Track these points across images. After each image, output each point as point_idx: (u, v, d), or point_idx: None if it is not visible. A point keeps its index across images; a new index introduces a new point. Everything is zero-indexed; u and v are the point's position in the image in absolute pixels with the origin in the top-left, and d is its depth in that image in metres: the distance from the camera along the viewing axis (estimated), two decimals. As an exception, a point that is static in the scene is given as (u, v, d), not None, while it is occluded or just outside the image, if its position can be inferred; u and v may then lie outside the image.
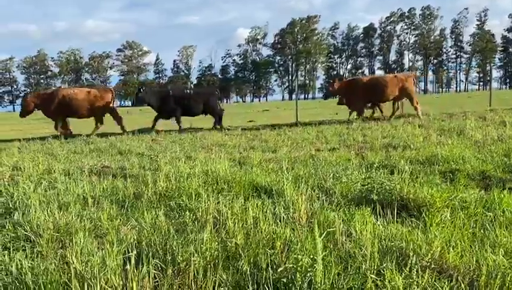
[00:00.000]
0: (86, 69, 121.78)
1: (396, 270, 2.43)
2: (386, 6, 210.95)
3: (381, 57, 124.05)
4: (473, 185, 4.54)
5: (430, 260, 2.58)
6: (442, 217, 3.37)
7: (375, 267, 2.54)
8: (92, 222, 3.70)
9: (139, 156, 8.01)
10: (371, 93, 14.84)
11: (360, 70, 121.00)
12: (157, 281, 2.56)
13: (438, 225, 3.22)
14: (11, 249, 3.16)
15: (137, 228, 3.53)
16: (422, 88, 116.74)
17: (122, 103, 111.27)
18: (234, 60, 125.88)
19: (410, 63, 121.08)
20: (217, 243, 2.97)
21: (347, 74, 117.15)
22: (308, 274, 2.42)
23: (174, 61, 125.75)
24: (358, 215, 3.39)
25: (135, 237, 3.25)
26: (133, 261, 2.49)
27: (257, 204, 3.76)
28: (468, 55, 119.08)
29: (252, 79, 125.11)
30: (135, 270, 2.47)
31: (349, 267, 2.59)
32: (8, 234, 3.54)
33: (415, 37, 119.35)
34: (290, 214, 3.60)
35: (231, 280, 2.56)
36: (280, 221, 3.45)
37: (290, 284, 2.43)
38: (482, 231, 3.11)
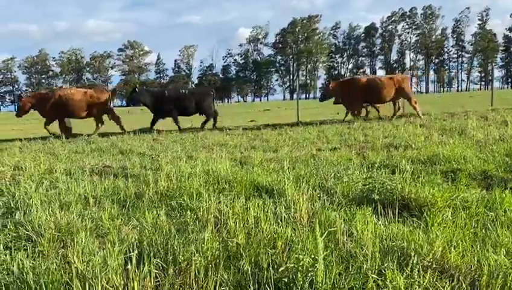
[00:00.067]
0: (87, 69, 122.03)
1: (397, 270, 2.43)
2: (387, 6, 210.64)
3: (382, 57, 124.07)
4: (475, 185, 4.54)
5: (431, 259, 2.58)
6: (444, 217, 3.36)
7: (377, 267, 2.54)
8: (93, 222, 3.70)
9: (141, 156, 8.02)
10: (368, 94, 14.85)
11: (361, 70, 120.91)
12: (159, 281, 2.56)
13: (439, 224, 3.22)
14: (13, 249, 3.17)
15: (138, 228, 3.53)
16: (424, 88, 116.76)
17: (123, 102, 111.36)
18: (235, 59, 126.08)
19: (412, 63, 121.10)
20: (218, 242, 2.97)
21: (348, 74, 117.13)
22: (310, 274, 2.42)
23: (175, 61, 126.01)
24: (359, 215, 3.38)
25: (136, 237, 3.25)
26: (134, 260, 2.50)
27: (258, 204, 3.75)
28: (469, 55, 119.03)
29: (253, 79, 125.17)
30: (136, 270, 2.47)
31: (350, 267, 2.58)
32: (9, 234, 3.54)
33: (417, 36, 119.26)
34: (291, 214, 3.60)
35: (232, 279, 2.56)
36: (281, 221, 3.45)
37: (291, 284, 2.43)
38: (483, 230, 3.10)
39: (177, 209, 4.02)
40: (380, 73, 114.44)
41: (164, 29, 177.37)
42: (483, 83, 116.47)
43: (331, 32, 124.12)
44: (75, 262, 2.64)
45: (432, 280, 2.39)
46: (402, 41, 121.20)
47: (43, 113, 14.55)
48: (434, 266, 2.54)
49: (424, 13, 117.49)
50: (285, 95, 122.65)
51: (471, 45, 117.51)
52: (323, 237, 2.67)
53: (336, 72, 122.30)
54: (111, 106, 15.28)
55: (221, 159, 6.29)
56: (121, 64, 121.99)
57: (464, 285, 2.37)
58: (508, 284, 2.35)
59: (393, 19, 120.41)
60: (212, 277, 2.52)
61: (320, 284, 2.38)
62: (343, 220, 3.34)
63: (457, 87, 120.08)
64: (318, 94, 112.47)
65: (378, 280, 2.40)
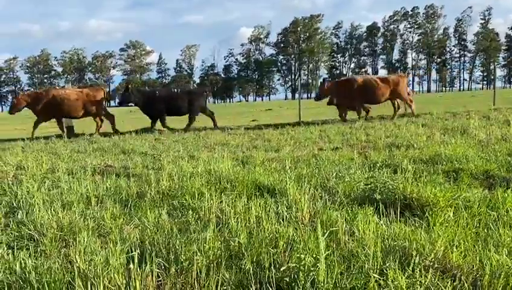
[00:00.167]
0: (89, 68, 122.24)
1: (399, 269, 2.43)
2: (389, 5, 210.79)
3: (384, 56, 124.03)
4: (477, 185, 4.53)
5: (433, 259, 2.58)
6: (446, 217, 3.36)
7: (378, 266, 2.53)
8: (95, 221, 3.71)
9: (142, 156, 8.03)
10: (364, 94, 14.88)
11: (363, 70, 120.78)
12: (160, 280, 2.56)
13: (441, 224, 3.22)
14: (15, 248, 3.18)
15: (140, 227, 3.53)
16: (426, 87, 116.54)
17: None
18: (237, 59, 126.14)
19: (414, 62, 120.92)
20: (219, 242, 2.97)
21: (350, 73, 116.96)
22: (311, 273, 2.42)
23: (177, 60, 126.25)
24: (361, 214, 3.38)
25: (138, 236, 3.26)
26: (136, 260, 2.50)
27: (260, 203, 3.76)
28: (471, 54, 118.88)
29: (254, 78, 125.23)
30: (138, 269, 2.47)
31: (352, 266, 2.58)
32: (12, 233, 3.55)
33: (419, 36, 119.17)
34: (292, 214, 3.60)
35: (234, 279, 2.57)
36: (283, 220, 3.45)
37: (293, 284, 2.43)
38: (485, 230, 3.09)
39: (179, 209, 4.02)
40: (382, 72, 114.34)
41: (166, 29, 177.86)
42: (485, 82, 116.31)
43: (333, 31, 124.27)
44: (77, 261, 2.65)
45: (433, 279, 2.39)
46: (404, 40, 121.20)
47: (36, 113, 14.50)
48: (436, 265, 2.53)
49: (426, 12, 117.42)
50: (286, 94, 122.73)
51: (473, 44, 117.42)
52: (324, 237, 2.67)
53: (338, 71, 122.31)
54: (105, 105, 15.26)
55: (223, 158, 6.29)
56: (123, 64, 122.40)
57: (465, 285, 2.36)
58: (510, 284, 2.35)
59: (395, 18, 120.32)
60: (214, 277, 2.52)
61: (322, 284, 2.38)
62: (345, 219, 3.34)
63: (459, 86, 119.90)
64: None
65: (379, 279, 2.40)
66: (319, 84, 16.90)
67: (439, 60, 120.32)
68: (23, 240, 3.40)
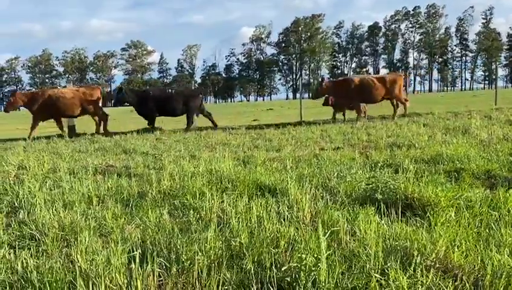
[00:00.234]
0: (91, 68, 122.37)
1: (400, 269, 2.43)
2: (390, 5, 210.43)
3: (385, 56, 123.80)
4: (478, 184, 4.52)
5: (434, 259, 2.57)
6: (447, 217, 3.35)
7: (380, 266, 2.53)
8: (97, 221, 3.71)
9: (144, 155, 8.04)
10: (361, 93, 14.92)
11: (364, 69, 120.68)
12: (162, 280, 2.56)
13: (442, 224, 3.21)
14: (17, 248, 3.19)
15: (141, 227, 3.54)
16: (427, 87, 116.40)
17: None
18: (238, 59, 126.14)
19: (415, 62, 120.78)
20: (221, 242, 2.97)
21: (351, 73, 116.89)
22: (312, 273, 2.42)
23: (178, 60, 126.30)
24: (362, 214, 3.38)
25: (140, 236, 3.27)
26: (137, 259, 2.50)
27: (261, 203, 3.76)
28: (473, 54, 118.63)
29: (256, 78, 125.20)
30: (140, 269, 2.48)
31: (353, 266, 2.58)
32: (13, 233, 3.56)
33: (420, 35, 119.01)
34: (294, 213, 3.60)
35: (235, 278, 2.57)
36: (284, 220, 3.45)
37: (294, 283, 2.43)
38: (487, 230, 3.09)
39: (180, 209, 4.03)
40: (384, 72, 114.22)
41: (167, 29, 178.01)
42: (487, 82, 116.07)
43: (334, 31, 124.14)
44: (78, 261, 2.65)
45: (435, 279, 2.39)
46: (405, 40, 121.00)
47: (33, 112, 14.48)
48: (437, 265, 2.53)
49: (427, 12, 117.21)
50: (288, 94, 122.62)
51: (475, 43, 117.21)
52: (326, 237, 2.67)
53: (339, 71, 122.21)
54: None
55: (224, 158, 6.29)
56: (124, 64, 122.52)
57: (467, 285, 2.36)
58: (512, 284, 2.34)
59: (396, 18, 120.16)
60: (215, 276, 2.53)
61: (323, 284, 2.38)
62: (346, 219, 3.34)
63: (461, 86, 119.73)
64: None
65: (381, 279, 2.40)
66: (317, 83, 16.98)
67: (440, 59, 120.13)
68: (24, 240, 3.40)
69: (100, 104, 14.93)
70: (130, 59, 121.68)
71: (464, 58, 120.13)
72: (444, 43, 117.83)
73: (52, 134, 14.13)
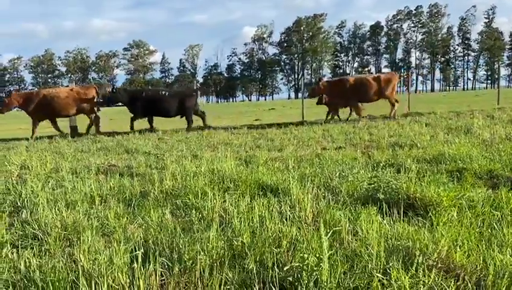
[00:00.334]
0: (93, 68, 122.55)
1: (402, 269, 2.42)
2: (392, 4, 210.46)
3: (388, 55, 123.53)
4: (481, 184, 4.51)
5: (436, 259, 2.57)
6: (449, 216, 3.35)
7: (381, 266, 2.53)
8: (99, 221, 3.72)
9: (146, 155, 8.05)
10: (357, 93, 14.95)
11: (366, 69, 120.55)
12: (164, 279, 2.57)
13: (444, 224, 3.21)
14: (20, 247, 3.20)
15: (144, 227, 3.55)
16: (430, 86, 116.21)
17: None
18: (240, 58, 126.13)
19: (417, 61, 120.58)
20: (223, 241, 2.98)
21: (353, 72, 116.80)
22: (314, 273, 2.42)
23: (180, 60, 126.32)
24: (364, 214, 3.38)
25: (142, 236, 3.27)
26: (139, 259, 2.51)
27: (263, 203, 3.76)
28: (475, 53, 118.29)
29: (258, 78, 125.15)
30: (142, 269, 2.48)
31: (355, 266, 2.58)
32: (16, 232, 3.57)
33: (422, 35, 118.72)
34: (296, 213, 3.61)
35: (237, 278, 2.57)
36: (286, 220, 3.45)
37: (296, 283, 2.43)
38: (489, 230, 3.09)
39: (182, 208, 4.03)
40: (386, 71, 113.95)
41: (169, 29, 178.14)
42: (489, 81, 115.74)
43: (336, 30, 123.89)
44: (81, 260, 2.66)
45: (437, 279, 2.38)
46: (407, 39, 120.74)
47: (28, 113, 14.48)
48: (439, 265, 2.53)
49: (429, 11, 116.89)
50: (290, 94, 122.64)
51: (477, 43, 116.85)
52: (328, 236, 2.68)
53: (341, 70, 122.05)
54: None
55: (226, 158, 6.30)
56: (126, 64, 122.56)
57: (469, 285, 2.36)
58: (514, 284, 2.34)
59: (398, 17, 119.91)
60: (217, 276, 2.53)
61: (325, 283, 2.38)
62: (348, 219, 3.34)
63: (463, 86, 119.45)
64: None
65: (383, 279, 2.40)
66: (314, 82, 17.10)
67: (443, 59, 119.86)
68: (27, 239, 3.41)
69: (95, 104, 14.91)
70: (132, 59, 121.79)
71: (466, 57, 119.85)
72: (446, 42, 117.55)
73: (55, 134, 14.17)
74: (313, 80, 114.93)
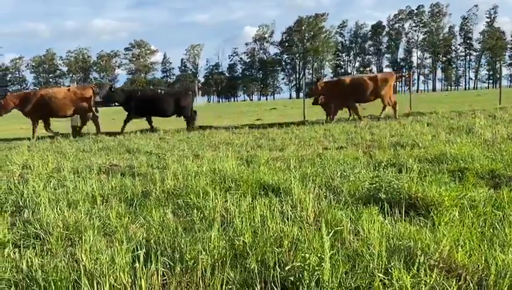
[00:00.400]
0: (94, 68, 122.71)
1: (404, 269, 2.42)
2: (394, 4, 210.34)
3: (389, 55, 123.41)
4: (482, 184, 4.50)
5: (438, 259, 2.57)
6: (451, 216, 3.35)
7: (383, 266, 2.53)
8: (101, 220, 3.73)
9: (147, 155, 8.06)
10: (354, 93, 14.96)
11: (368, 68, 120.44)
12: (166, 279, 2.57)
13: (446, 223, 3.21)
14: (22, 247, 3.20)
15: (145, 226, 3.55)
16: (431, 86, 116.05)
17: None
18: (241, 58, 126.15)
19: (419, 61, 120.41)
20: (224, 241, 2.98)
21: (355, 72, 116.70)
22: (316, 273, 2.42)
23: (182, 60, 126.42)
24: (366, 214, 3.37)
25: (144, 235, 3.28)
26: (141, 259, 2.52)
27: (264, 203, 3.76)
28: (477, 53, 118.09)
29: (259, 77, 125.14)
30: (144, 268, 2.49)
31: (356, 266, 2.58)
32: (18, 232, 3.58)
33: (424, 34, 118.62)
34: (297, 213, 3.60)
35: (239, 278, 2.57)
36: (287, 219, 3.45)
37: (298, 283, 2.43)
38: (491, 230, 3.08)
39: (183, 208, 4.04)
40: (388, 71, 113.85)
41: (170, 28, 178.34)
42: (491, 81, 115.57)
43: (338, 30, 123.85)
44: (83, 260, 2.67)
45: (438, 279, 2.38)
46: (409, 39, 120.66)
47: (25, 113, 14.45)
48: (441, 265, 2.53)
49: (431, 11, 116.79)
50: (291, 93, 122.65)
51: (479, 43, 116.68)
52: (329, 236, 2.67)
53: (343, 70, 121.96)
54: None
55: (227, 157, 6.30)
56: (128, 64, 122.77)
57: (471, 284, 2.36)
58: (516, 284, 2.34)
59: (400, 17, 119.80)
60: (219, 275, 2.53)
61: (327, 283, 2.38)
62: (350, 219, 3.34)
63: (465, 85, 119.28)
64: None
65: (384, 279, 2.40)
66: (312, 82, 17.16)
67: (444, 58, 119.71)
68: (29, 239, 3.42)
69: (92, 104, 14.89)
70: (134, 59, 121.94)
71: (467, 57, 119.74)
72: (447, 42, 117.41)
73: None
74: (314, 80, 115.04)
